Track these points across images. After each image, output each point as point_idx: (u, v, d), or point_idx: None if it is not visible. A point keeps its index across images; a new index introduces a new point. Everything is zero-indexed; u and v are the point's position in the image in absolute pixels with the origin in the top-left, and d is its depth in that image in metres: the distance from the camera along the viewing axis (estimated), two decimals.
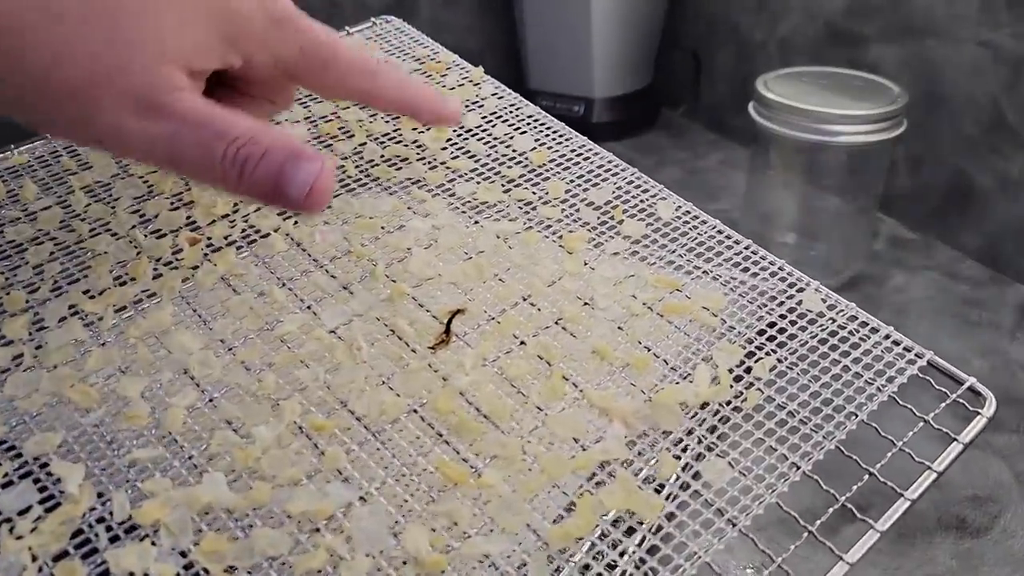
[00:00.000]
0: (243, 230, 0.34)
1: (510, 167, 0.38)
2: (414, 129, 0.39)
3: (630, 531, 0.25)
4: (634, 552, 0.24)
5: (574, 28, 0.84)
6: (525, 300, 0.32)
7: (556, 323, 0.31)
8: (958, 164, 0.67)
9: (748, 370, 0.29)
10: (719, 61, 0.88)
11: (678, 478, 0.26)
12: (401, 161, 0.38)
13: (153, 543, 0.24)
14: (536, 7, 0.86)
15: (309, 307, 0.31)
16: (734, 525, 0.25)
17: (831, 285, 0.33)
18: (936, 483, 0.27)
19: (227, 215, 0.35)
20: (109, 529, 0.24)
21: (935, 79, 0.67)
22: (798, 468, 0.26)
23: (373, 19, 0.47)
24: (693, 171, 0.83)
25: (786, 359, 0.30)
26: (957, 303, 0.63)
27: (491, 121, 0.40)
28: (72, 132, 0.27)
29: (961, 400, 0.29)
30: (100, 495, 0.25)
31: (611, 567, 0.24)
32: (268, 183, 0.25)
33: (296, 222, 0.34)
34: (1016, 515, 0.45)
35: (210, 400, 0.28)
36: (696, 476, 0.26)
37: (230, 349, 0.29)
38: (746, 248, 0.34)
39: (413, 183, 0.37)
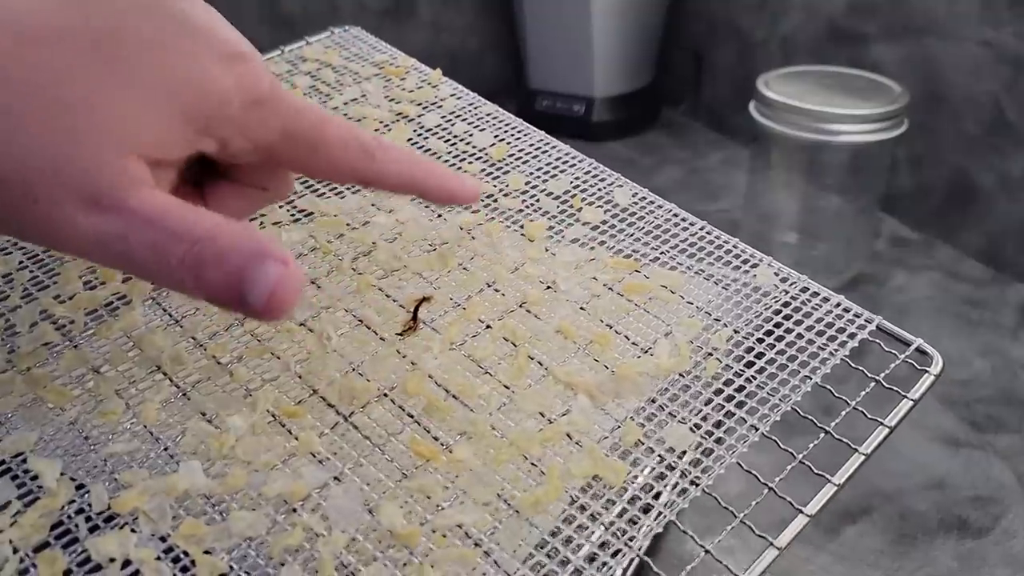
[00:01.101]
0: None
1: (471, 163, 0.39)
2: (375, 130, 0.40)
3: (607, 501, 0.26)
4: (604, 515, 0.25)
5: (574, 28, 0.84)
6: (489, 286, 0.32)
7: (520, 306, 0.32)
8: (959, 163, 0.67)
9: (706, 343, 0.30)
10: (720, 60, 0.88)
11: (641, 443, 0.27)
12: None
13: (133, 530, 0.24)
14: (536, 7, 0.86)
15: None
16: (696, 485, 0.26)
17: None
18: (937, 483, 0.28)
19: None
20: (88, 520, 0.25)
21: (936, 78, 0.67)
22: (757, 430, 0.27)
23: (332, 28, 0.48)
24: (694, 170, 0.83)
25: (742, 330, 0.31)
26: (958, 302, 0.63)
27: (451, 120, 0.41)
28: (13, 229, 0.23)
29: (910, 360, 0.30)
30: (79, 487, 0.26)
31: (582, 528, 0.25)
32: (224, 289, 0.21)
33: (262, 224, 0.35)
34: (1017, 516, 0.45)
35: (183, 394, 0.28)
36: (660, 441, 0.27)
37: (201, 345, 0.30)
38: (700, 229, 0.35)
39: None
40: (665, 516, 0.25)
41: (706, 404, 0.28)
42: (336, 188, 0.37)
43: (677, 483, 0.26)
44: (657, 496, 0.26)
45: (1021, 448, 0.49)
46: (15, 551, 0.24)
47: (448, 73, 0.44)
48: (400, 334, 0.30)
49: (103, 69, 0.21)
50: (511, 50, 0.93)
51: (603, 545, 0.25)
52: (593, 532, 0.25)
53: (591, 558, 0.24)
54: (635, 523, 0.25)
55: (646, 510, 0.25)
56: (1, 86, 0.20)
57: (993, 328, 0.60)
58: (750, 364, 0.30)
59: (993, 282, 0.65)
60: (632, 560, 0.24)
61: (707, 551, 0.25)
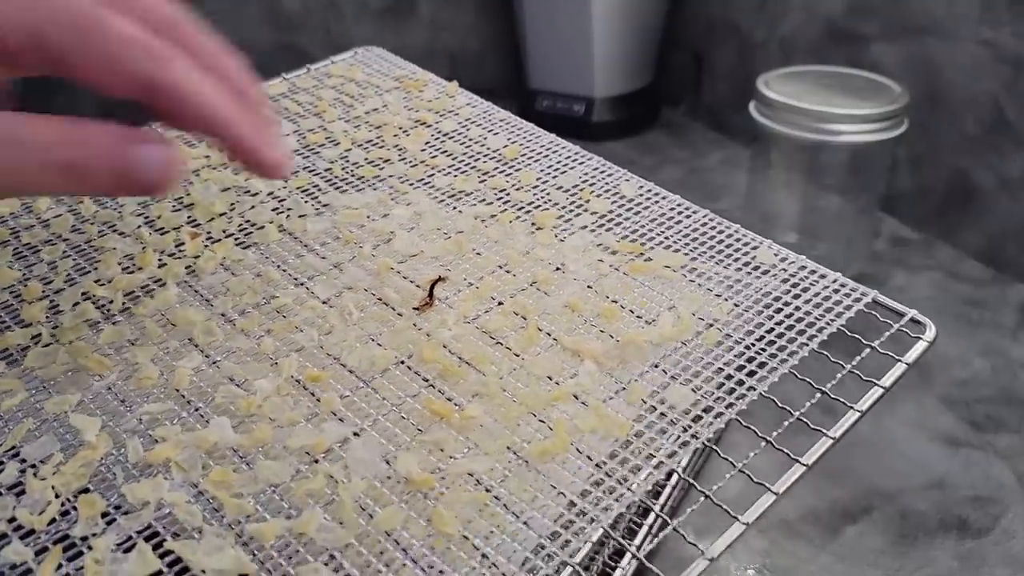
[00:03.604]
0: (240, 224, 0.37)
1: (485, 162, 0.41)
2: (395, 135, 0.43)
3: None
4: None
5: (574, 28, 0.84)
6: (501, 268, 0.34)
7: (531, 285, 0.33)
8: (959, 163, 0.67)
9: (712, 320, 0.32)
10: (720, 60, 0.88)
11: (645, 402, 0.28)
12: (384, 162, 0.41)
13: (165, 478, 0.26)
14: (536, 7, 0.87)
15: (303, 284, 0.34)
16: (696, 438, 0.27)
17: None
18: (937, 482, 0.28)
19: (224, 213, 0.38)
20: (124, 470, 0.26)
21: (936, 78, 0.66)
22: (755, 390, 0.29)
23: (355, 49, 0.51)
24: (694, 170, 0.83)
25: (742, 303, 0.32)
26: (958, 302, 0.63)
27: (466, 126, 0.44)
28: None
29: (904, 329, 0.31)
30: (115, 444, 0.27)
31: (580, 469, 0.26)
32: (109, 179, 0.22)
33: (288, 216, 0.37)
34: (1017, 516, 0.45)
35: (214, 362, 0.30)
36: (662, 401, 0.28)
37: (231, 321, 0.32)
38: (704, 216, 0.37)
39: (396, 179, 0.40)
40: (666, 465, 0.26)
41: (706, 368, 0.30)
42: (357, 184, 0.39)
43: (679, 436, 0.27)
44: (658, 449, 0.27)
45: (1021, 448, 0.49)
46: (56, 496, 0.26)
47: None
48: (416, 308, 0.32)
49: None
50: (511, 50, 0.93)
51: (604, 488, 0.26)
52: (592, 476, 0.26)
53: (586, 493, 0.25)
54: (637, 471, 0.26)
55: (648, 459, 0.27)
56: None
57: (993, 328, 0.60)
58: (750, 333, 0.31)
59: (993, 282, 0.65)
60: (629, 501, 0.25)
61: (707, 496, 0.26)
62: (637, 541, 0.36)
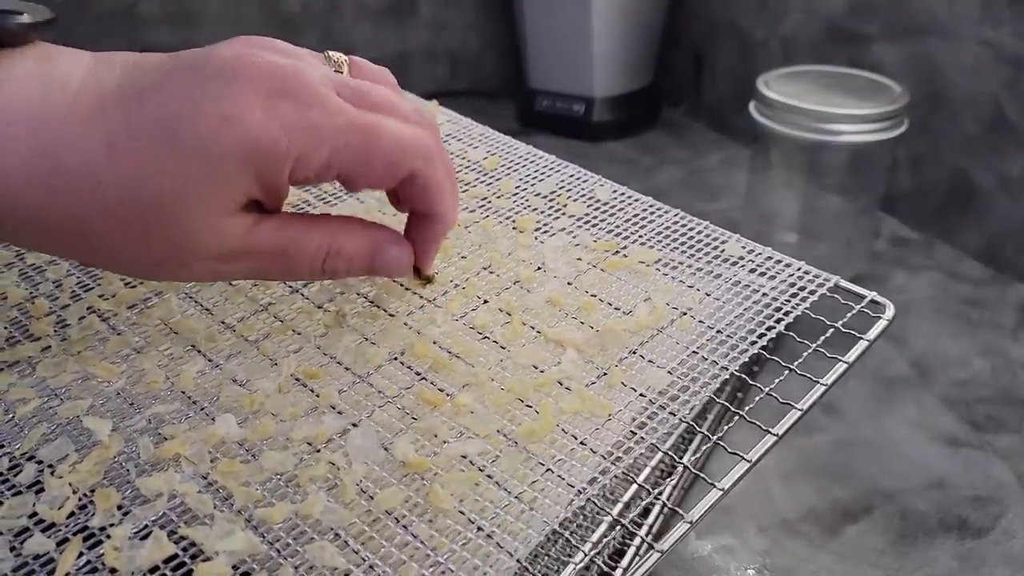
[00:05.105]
0: None
1: (466, 173, 0.43)
2: None
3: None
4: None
5: (574, 28, 0.85)
6: (485, 269, 0.36)
7: (514, 284, 0.35)
8: (959, 163, 0.67)
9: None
10: (720, 60, 0.88)
11: (624, 385, 0.30)
12: None
13: (176, 472, 0.28)
14: (536, 7, 0.87)
15: (298, 291, 0.36)
16: (674, 416, 0.29)
17: None
18: (937, 482, 0.28)
19: None
20: (137, 466, 0.28)
21: (936, 78, 0.67)
22: (727, 370, 0.31)
23: None
24: (694, 170, 0.83)
25: (712, 292, 0.34)
26: (958, 303, 0.63)
27: (447, 140, 0.46)
28: (171, 278, 0.30)
29: (866, 310, 0.33)
30: (127, 443, 0.29)
31: (574, 452, 0.28)
32: (362, 274, 0.31)
33: None
34: (1018, 516, 0.45)
35: (216, 366, 0.32)
36: (641, 383, 0.30)
37: (230, 327, 0.34)
38: (675, 215, 0.39)
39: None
40: (647, 440, 0.28)
41: (682, 352, 0.32)
42: (344, 198, 0.41)
43: (656, 413, 0.29)
44: (642, 426, 0.29)
45: (1021, 448, 0.49)
46: (74, 491, 0.27)
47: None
48: (421, 279, 0.34)
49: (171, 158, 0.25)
50: (511, 50, 0.94)
51: (603, 472, 0.28)
52: (590, 458, 0.28)
53: (592, 480, 0.27)
54: (620, 446, 0.28)
55: (628, 436, 0.28)
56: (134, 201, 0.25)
57: (993, 328, 0.60)
58: (721, 319, 0.33)
59: (993, 282, 0.65)
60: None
61: (686, 467, 0.28)
62: (617, 510, 0.38)
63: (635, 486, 0.33)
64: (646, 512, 0.39)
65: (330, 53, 0.30)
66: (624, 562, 0.36)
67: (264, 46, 0.27)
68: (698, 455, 0.28)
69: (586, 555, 0.32)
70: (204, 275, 0.28)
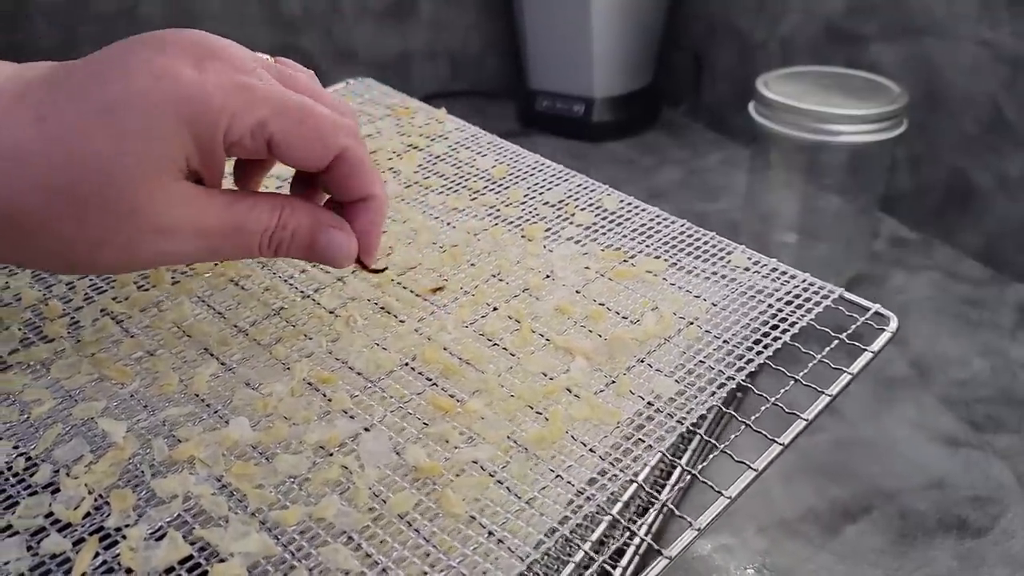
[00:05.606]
0: None
1: (475, 181, 0.43)
2: (389, 159, 0.45)
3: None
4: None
5: (574, 28, 0.85)
6: (495, 277, 0.37)
7: (523, 291, 0.36)
8: (958, 163, 0.67)
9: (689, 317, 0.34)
10: (720, 61, 0.89)
11: (632, 393, 0.31)
12: None
13: (191, 474, 0.28)
14: (536, 7, 0.87)
15: (309, 296, 0.36)
16: (682, 423, 0.30)
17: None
18: (937, 482, 0.29)
19: None
20: (152, 467, 0.28)
21: (935, 78, 0.67)
22: (732, 380, 0.31)
23: (348, 80, 0.53)
24: (694, 171, 0.84)
25: (719, 302, 0.35)
26: (957, 302, 0.63)
27: (456, 149, 0.46)
28: (116, 264, 0.27)
29: (870, 322, 0.34)
30: (141, 444, 0.29)
31: (583, 459, 0.28)
32: (303, 254, 0.30)
33: None
34: (1017, 515, 0.46)
35: (229, 369, 0.32)
36: (649, 391, 0.31)
37: (243, 331, 0.34)
38: (681, 226, 0.40)
39: (392, 198, 0.42)
40: (655, 448, 0.29)
41: (688, 361, 0.32)
42: None
43: (663, 421, 0.30)
44: (649, 434, 0.29)
45: (1020, 448, 0.50)
46: (89, 492, 0.27)
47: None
48: (369, 271, 0.34)
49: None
50: (511, 50, 0.94)
51: (601, 472, 0.28)
52: (587, 459, 0.28)
53: (591, 480, 0.28)
54: (628, 454, 0.29)
55: (637, 444, 0.29)
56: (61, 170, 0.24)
57: (992, 328, 0.60)
58: (727, 329, 0.33)
59: (992, 282, 0.66)
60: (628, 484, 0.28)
61: (692, 475, 0.28)
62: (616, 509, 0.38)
63: (635, 485, 0.33)
64: (644, 511, 0.39)
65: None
66: (624, 561, 0.36)
67: (187, 30, 0.27)
68: (706, 463, 0.28)
69: (587, 554, 0.32)
70: (150, 257, 0.27)
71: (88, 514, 0.27)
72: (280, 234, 0.29)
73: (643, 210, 0.41)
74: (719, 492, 0.28)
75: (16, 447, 0.29)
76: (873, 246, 0.69)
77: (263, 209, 0.28)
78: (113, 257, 0.26)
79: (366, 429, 0.30)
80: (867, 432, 0.51)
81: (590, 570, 0.28)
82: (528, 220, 0.40)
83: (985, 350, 0.58)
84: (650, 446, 0.29)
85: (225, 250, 0.28)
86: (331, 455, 0.29)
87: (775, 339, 0.33)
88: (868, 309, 0.34)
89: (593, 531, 0.33)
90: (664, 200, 0.39)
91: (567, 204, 0.41)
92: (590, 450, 0.29)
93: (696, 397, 0.30)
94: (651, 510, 0.39)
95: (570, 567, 0.29)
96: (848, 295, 0.35)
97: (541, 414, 0.30)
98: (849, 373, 0.32)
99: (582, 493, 0.27)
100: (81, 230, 0.25)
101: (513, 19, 0.93)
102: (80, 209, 0.25)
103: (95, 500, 0.27)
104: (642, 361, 0.32)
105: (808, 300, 0.35)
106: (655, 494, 0.28)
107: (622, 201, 0.41)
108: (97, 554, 0.26)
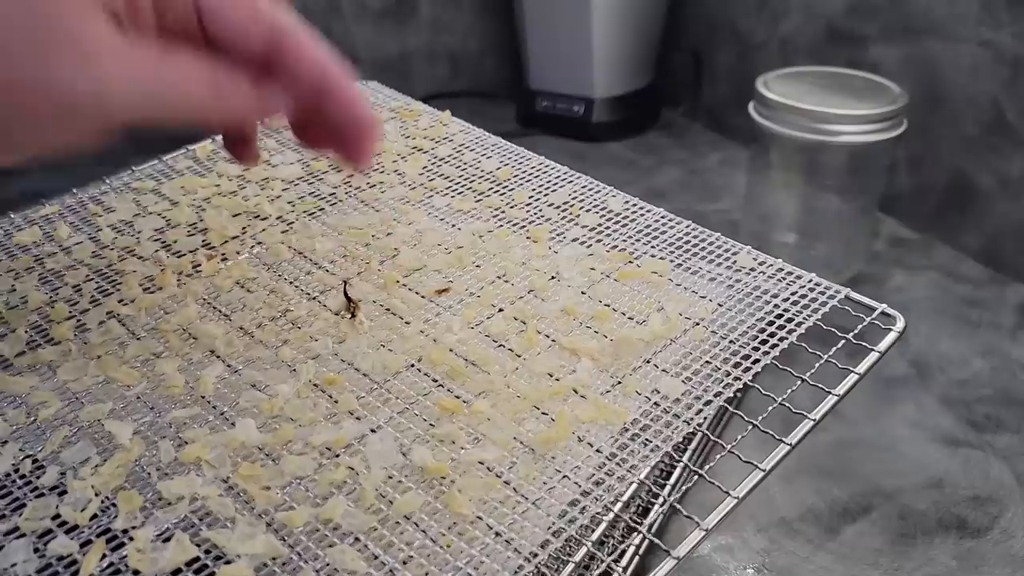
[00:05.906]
0: (252, 245, 0.39)
1: (480, 183, 0.43)
2: (394, 161, 0.45)
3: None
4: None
5: (574, 28, 0.85)
6: (500, 278, 0.37)
7: (528, 293, 0.36)
8: (958, 164, 0.67)
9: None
10: (719, 61, 0.89)
11: (639, 393, 0.31)
12: (385, 187, 0.44)
13: (197, 475, 0.28)
14: (536, 7, 0.87)
15: (315, 298, 0.36)
16: (688, 424, 0.29)
17: None
18: (936, 482, 0.28)
19: (237, 236, 0.40)
20: (158, 469, 0.28)
21: (935, 79, 0.67)
22: (739, 380, 0.31)
23: None
24: (693, 171, 0.84)
25: (724, 303, 0.35)
26: (957, 303, 0.63)
27: (460, 151, 0.46)
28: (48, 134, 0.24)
29: (876, 322, 0.34)
30: (148, 446, 0.29)
31: (588, 459, 0.28)
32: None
33: (297, 237, 0.40)
34: (1017, 515, 0.45)
35: (236, 371, 0.32)
36: (655, 391, 0.31)
37: (249, 333, 0.34)
38: (687, 227, 0.40)
39: (397, 201, 0.42)
40: (662, 449, 0.29)
41: (694, 362, 0.32)
42: (361, 208, 0.42)
43: (670, 421, 0.29)
44: (656, 434, 0.29)
45: (1020, 448, 0.50)
46: (96, 494, 0.27)
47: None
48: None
49: None
50: (511, 51, 0.94)
51: (608, 472, 0.28)
52: (593, 459, 0.28)
53: (598, 481, 0.28)
54: (633, 453, 0.29)
55: (644, 444, 0.29)
56: None
57: (992, 328, 0.60)
58: (733, 329, 0.33)
59: (992, 282, 0.65)
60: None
61: (699, 475, 0.28)
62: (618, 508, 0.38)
63: (636, 484, 0.33)
64: (646, 511, 0.39)
65: None
66: (624, 562, 0.36)
67: None
68: (713, 463, 0.28)
69: (589, 552, 0.32)
70: (87, 122, 0.24)
71: (95, 516, 0.27)
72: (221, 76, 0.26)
73: (648, 211, 0.41)
74: (727, 492, 0.27)
75: (23, 449, 0.29)
76: (873, 246, 0.69)
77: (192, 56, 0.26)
78: (36, 100, 0.23)
79: (372, 430, 0.30)
80: (867, 432, 0.51)
81: (591, 570, 0.28)
82: (533, 222, 0.40)
83: (985, 350, 0.58)
84: (657, 447, 0.29)
85: (168, 97, 0.25)
86: (337, 456, 0.29)
87: (781, 339, 0.33)
88: (874, 309, 0.34)
89: (593, 531, 0.33)
90: (664, 200, 0.39)
91: (572, 205, 0.41)
92: (596, 451, 0.29)
93: (702, 397, 0.30)
94: (653, 509, 0.39)
95: (570, 567, 0.29)
96: (854, 295, 0.35)
97: (547, 415, 0.30)
98: (856, 373, 0.31)
99: (588, 493, 0.27)
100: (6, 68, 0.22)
101: (513, 19, 0.93)
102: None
103: (102, 502, 0.27)
104: (648, 362, 0.32)
105: (814, 300, 0.35)
106: (657, 493, 0.28)
107: (627, 202, 0.41)
108: (104, 556, 0.26)
